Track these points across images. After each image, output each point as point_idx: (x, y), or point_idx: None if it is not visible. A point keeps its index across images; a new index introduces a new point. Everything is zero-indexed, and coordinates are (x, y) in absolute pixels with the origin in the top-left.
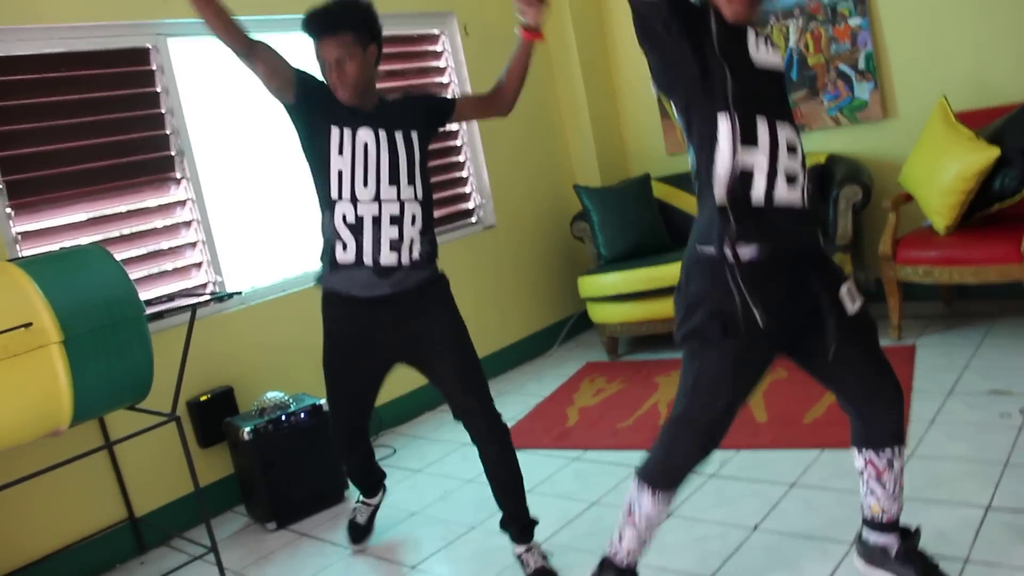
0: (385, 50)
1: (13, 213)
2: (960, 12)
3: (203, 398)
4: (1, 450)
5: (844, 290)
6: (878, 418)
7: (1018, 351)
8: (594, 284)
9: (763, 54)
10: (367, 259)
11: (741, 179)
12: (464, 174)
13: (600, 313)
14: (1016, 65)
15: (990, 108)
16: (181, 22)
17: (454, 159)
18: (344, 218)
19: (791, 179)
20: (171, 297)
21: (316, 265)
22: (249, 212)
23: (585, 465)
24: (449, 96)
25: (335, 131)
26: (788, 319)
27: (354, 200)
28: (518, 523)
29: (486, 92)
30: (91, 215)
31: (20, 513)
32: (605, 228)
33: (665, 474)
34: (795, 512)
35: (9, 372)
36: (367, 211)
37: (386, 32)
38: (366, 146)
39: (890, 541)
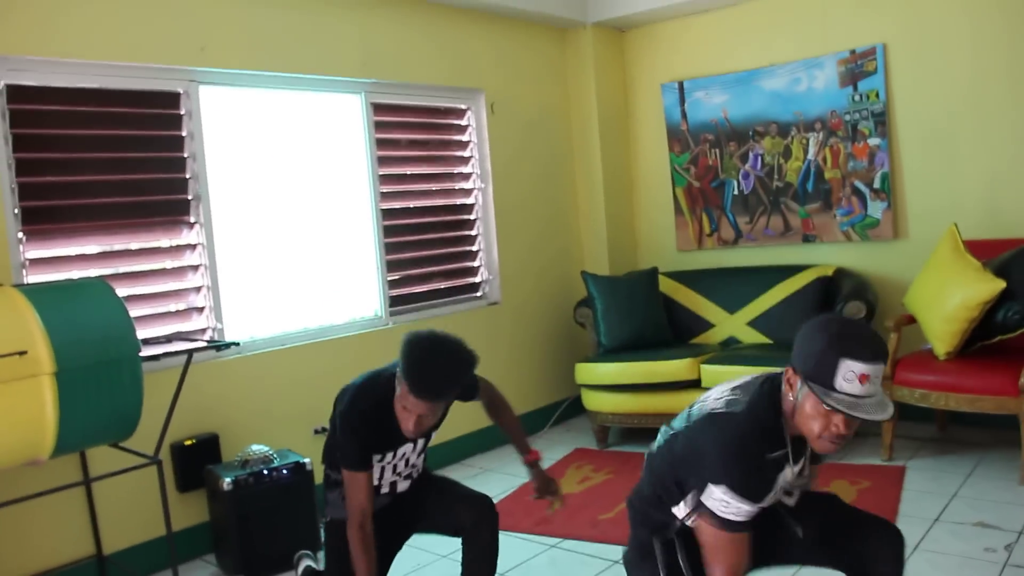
0: (412, 119)
1: (25, 239)
2: (977, 143)
3: (188, 442)
4: None
5: None
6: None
7: (1008, 485)
8: (591, 372)
9: None
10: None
11: None
12: (475, 248)
13: (594, 401)
14: None
15: (1000, 240)
16: (215, 71)
17: (466, 232)
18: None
19: None
20: (169, 339)
21: (323, 321)
22: (256, 263)
23: (562, 553)
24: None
25: (381, 454)
26: None
27: (382, 478)
28: None
29: (493, 399)
30: (102, 249)
31: None
32: (608, 316)
33: None
34: None
35: None
36: (391, 477)
37: (416, 102)
38: (405, 451)
39: None
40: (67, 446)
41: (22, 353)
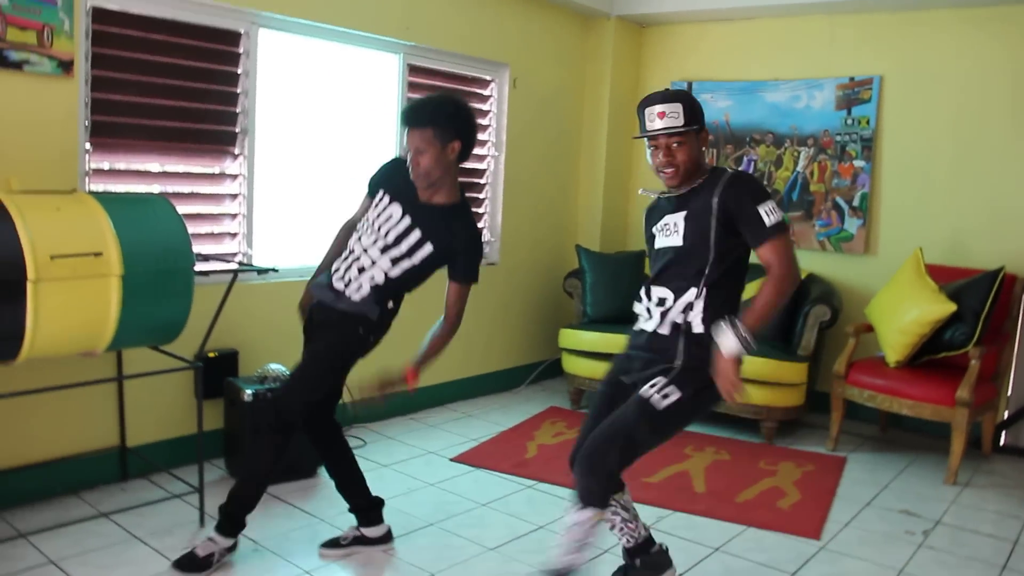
0: (442, 83)
1: (91, 149)
2: (951, 178)
3: (211, 354)
4: (40, 357)
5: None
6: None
7: (934, 483)
8: (574, 337)
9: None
10: (327, 282)
11: None
12: (482, 211)
13: (573, 365)
14: (987, 237)
15: (958, 267)
16: (276, 16)
17: (476, 195)
18: (343, 255)
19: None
20: (206, 258)
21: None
22: (288, 199)
23: (537, 494)
24: (458, 270)
25: (379, 194)
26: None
27: (352, 249)
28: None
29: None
30: (154, 168)
31: (27, 419)
32: (595, 289)
33: None
34: (714, 572)
35: (71, 291)
36: (354, 256)
37: (444, 67)
38: (391, 218)
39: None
40: (120, 342)
41: (98, 254)
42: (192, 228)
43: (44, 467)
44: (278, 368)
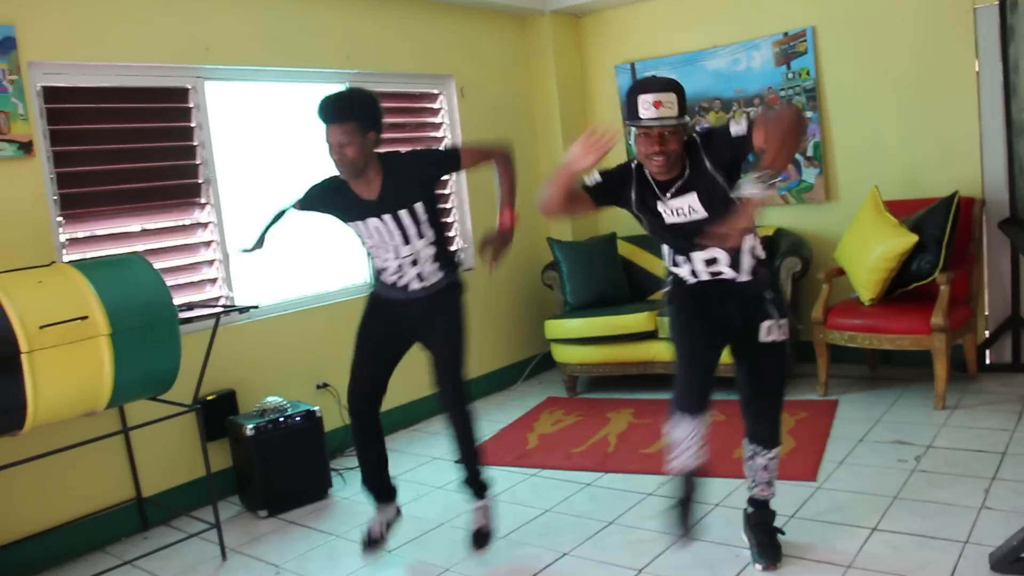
0: (388, 104)
1: (63, 221)
2: (897, 116)
3: (210, 397)
4: (43, 424)
5: (765, 324)
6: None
7: (924, 411)
8: (559, 327)
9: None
10: (400, 286)
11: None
12: (450, 220)
13: (563, 354)
14: (938, 166)
15: (915, 200)
16: (218, 68)
17: (442, 206)
18: (384, 267)
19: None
20: (189, 307)
21: (319, 289)
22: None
23: (541, 480)
24: (451, 149)
25: (354, 226)
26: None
27: (385, 261)
28: (472, 483)
29: (488, 150)
30: (127, 229)
31: (42, 484)
32: (573, 278)
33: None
34: (717, 525)
35: (64, 357)
36: (395, 263)
37: (391, 88)
38: (379, 230)
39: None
40: (120, 398)
41: (83, 318)
42: (173, 280)
43: (67, 528)
44: (275, 400)
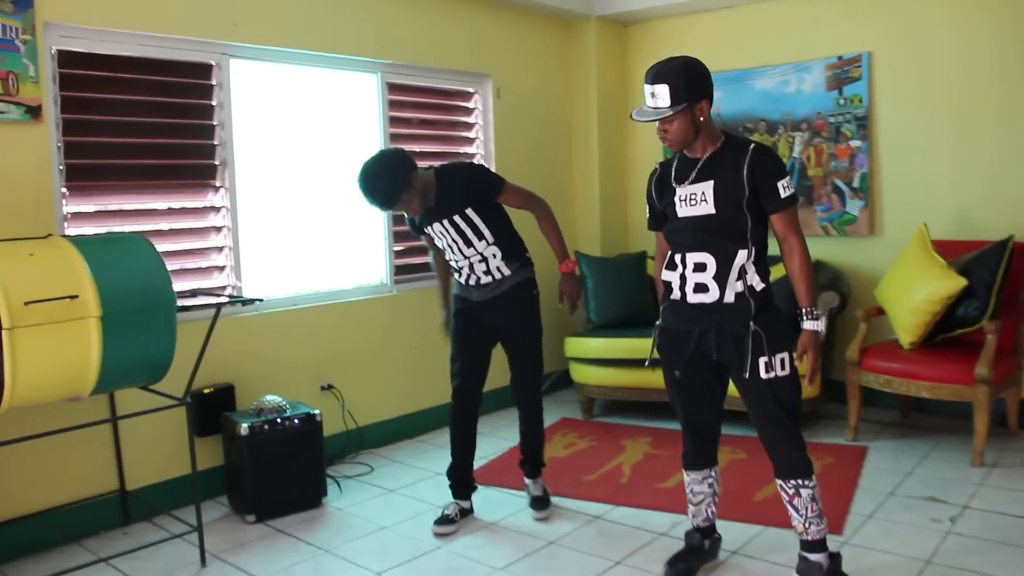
0: (423, 99)
1: (68, 193)
2: (950, 150)
3: (206, 390)
4: (25, 405)
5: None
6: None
7: (959, 466)
8: (580, 346)
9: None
10: (471, 284)
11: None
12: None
13: (581, 373)
14: (992, 207)
15: (965, 241)
16: (245, 46)
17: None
18: (458, 269)
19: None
20: (193, 293)
21: (333, 285)
22: (274, 228)
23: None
24: (499, 177)
25: (429, 230)
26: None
27: (455, 262)
28: (530, 463)
29: (527, 198)
30: (135, 207)
31: (22, 468)
32: (598, 295)
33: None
34: None
35: (49, 336)
36: (464, 263)
37: (428, 83)
38: (441, 232)
39: (820, 559)
40: (106, 385)
41: (74, 297)
42: (179, 264)
43: (44, 516)
44: (274, 399)
